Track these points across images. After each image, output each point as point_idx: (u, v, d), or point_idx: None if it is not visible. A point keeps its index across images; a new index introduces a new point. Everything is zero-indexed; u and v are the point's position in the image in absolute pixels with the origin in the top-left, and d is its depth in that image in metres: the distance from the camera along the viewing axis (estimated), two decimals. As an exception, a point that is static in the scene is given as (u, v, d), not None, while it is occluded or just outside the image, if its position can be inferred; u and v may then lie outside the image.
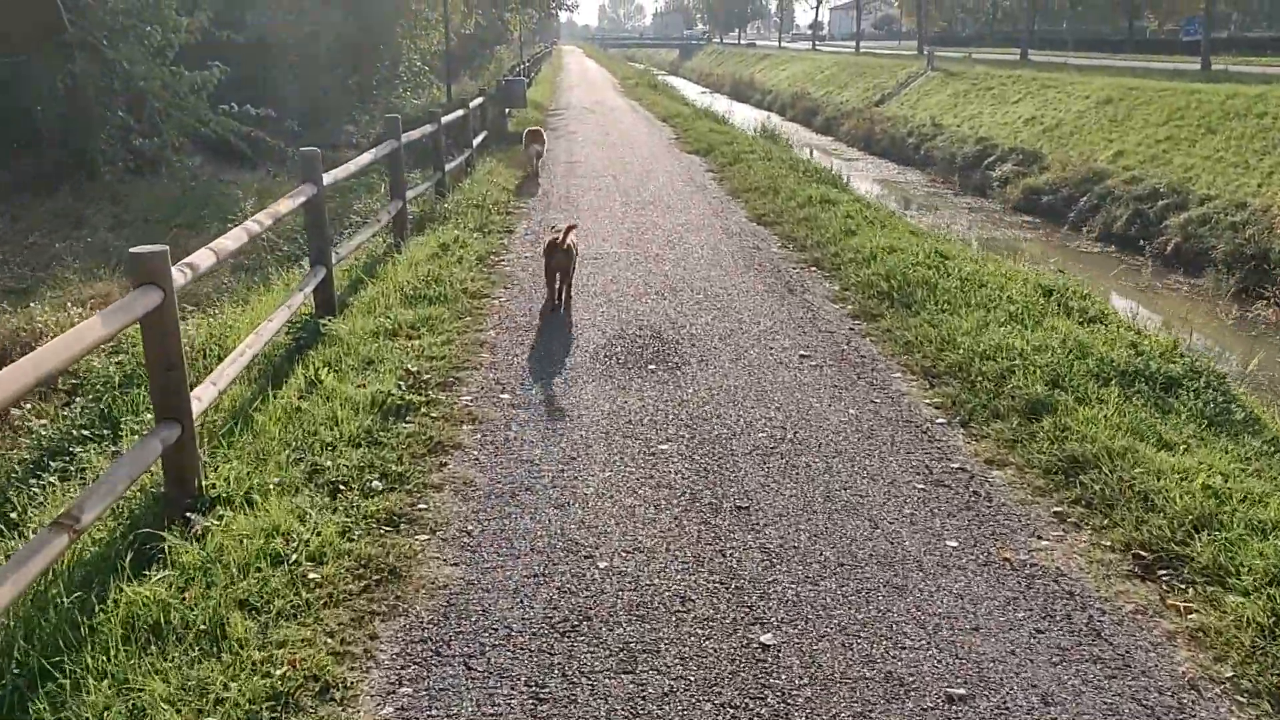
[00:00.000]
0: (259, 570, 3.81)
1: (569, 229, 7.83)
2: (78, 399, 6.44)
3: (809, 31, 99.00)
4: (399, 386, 5.78)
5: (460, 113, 15.15)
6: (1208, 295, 14.70)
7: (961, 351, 6.31)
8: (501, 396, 5.91)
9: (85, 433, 5.77)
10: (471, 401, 5.81)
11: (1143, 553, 4.01)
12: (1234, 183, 17.12)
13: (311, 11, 27.14)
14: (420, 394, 5.80)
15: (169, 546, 3.89)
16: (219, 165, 21.43)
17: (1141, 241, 16.88)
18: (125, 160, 17.73)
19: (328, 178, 7.42)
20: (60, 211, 15.74)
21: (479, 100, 18.41)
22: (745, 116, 33.80)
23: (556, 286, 7.86)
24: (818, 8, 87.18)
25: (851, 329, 7.25)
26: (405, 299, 7.83)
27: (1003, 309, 7.20)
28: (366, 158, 8.82)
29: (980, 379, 5.90)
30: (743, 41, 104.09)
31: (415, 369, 6.10)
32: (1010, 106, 28.25)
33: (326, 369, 6.06)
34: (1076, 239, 18.16)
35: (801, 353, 6.68)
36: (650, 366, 6.41)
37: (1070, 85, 27.39)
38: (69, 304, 8.36)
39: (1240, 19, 63.86)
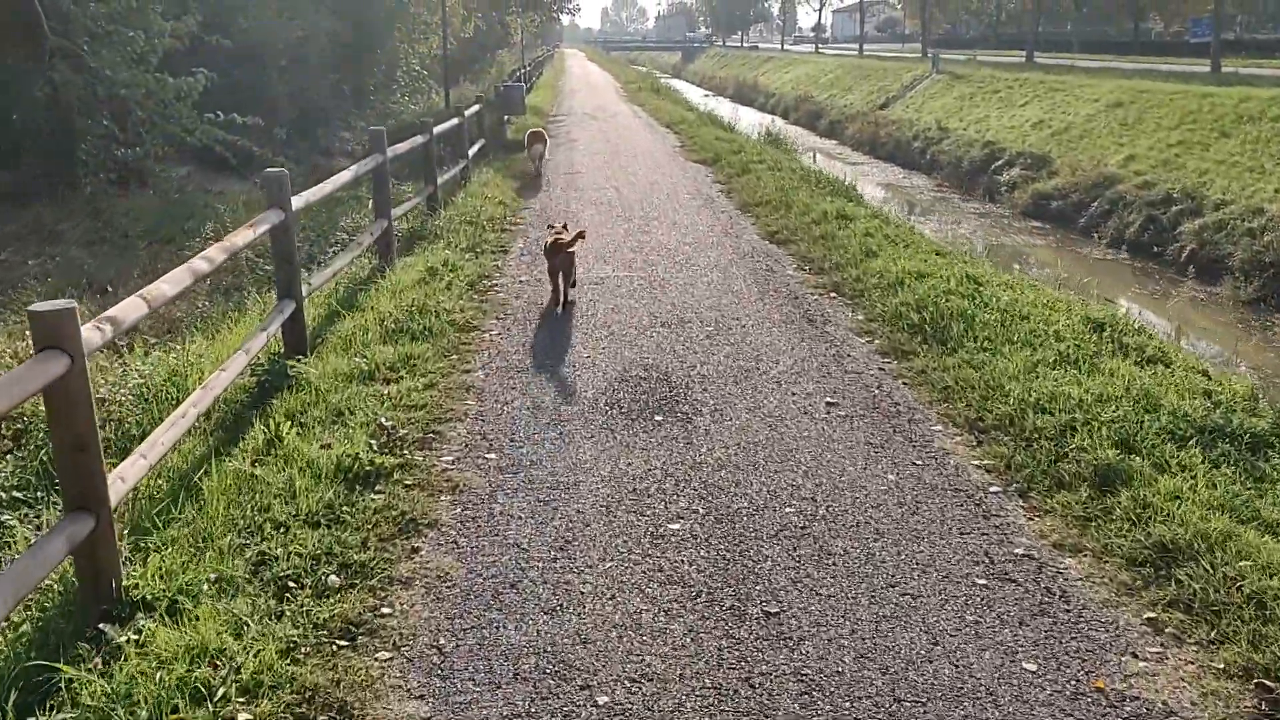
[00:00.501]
0: (176, 712, 3.06)
1: (577, 235, 8.19)
2: (12, 453, 5.71)
3: (811, 34, 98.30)
4: (369, 447, 5.03)
5: (454, 122, 14.42)
6: (1227, 303, 14.15)
7: (1011, 401, 5.55)
8: (487, 457, 5.16)
9: (18, 494, 5.05)
10: (453, 463, 5.07)
11: (1269, 683, 3.25)
12: (1250, 188, 16.47)
13: (305, 14, 26.46)
14: (394, 454, 5.06)
15: (65, 681, 3.15)
16: (208, 175, 20.75)
17: (1155, 248, 16.41)
18: (107, 171, 17.03)
19: (298, 200, 6.69)
20: (36, 225, 15.02)
21: (475, 108, 17.67)
22: (749, 120, 33.08)
23: (560, 285, 8.13)
24: (820, 10, 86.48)
25: (881, 369, 6.49)
26: (386, 333, 7.08)
27: (1050, 346, 6.45)
28: (346, 175, 8.08)
29: (1036, 437, 5.15)
30: (745, 44, 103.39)
31: (390, 422, 5.35)
32: (1017, 110, 27.71)
33: (290, 422, 5.32)
34: (1088, 245, 17.65)
35: (828, 399, 5.92)
36: (657, 417, 5.65)
37: (1079, 88, 26.79)
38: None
39: (1246, 20, 63.07)
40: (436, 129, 12.99)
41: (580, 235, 8.23)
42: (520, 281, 8.99)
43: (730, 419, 5.61)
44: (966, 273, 8.35)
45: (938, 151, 26.92)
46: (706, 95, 58.93)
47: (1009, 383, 5.84)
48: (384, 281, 8.56)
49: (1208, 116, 20.43)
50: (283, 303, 6.42)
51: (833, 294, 8.46)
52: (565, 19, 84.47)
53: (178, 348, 6.98)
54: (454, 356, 6.76)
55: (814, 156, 23.75)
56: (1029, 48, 45.94)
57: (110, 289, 12.22)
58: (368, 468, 4.82)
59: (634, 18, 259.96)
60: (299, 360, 6.39)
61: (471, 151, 16.19)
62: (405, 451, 5.12)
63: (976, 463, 5.06)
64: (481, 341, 7.16)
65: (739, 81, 62.94)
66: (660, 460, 5.07)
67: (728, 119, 27.66)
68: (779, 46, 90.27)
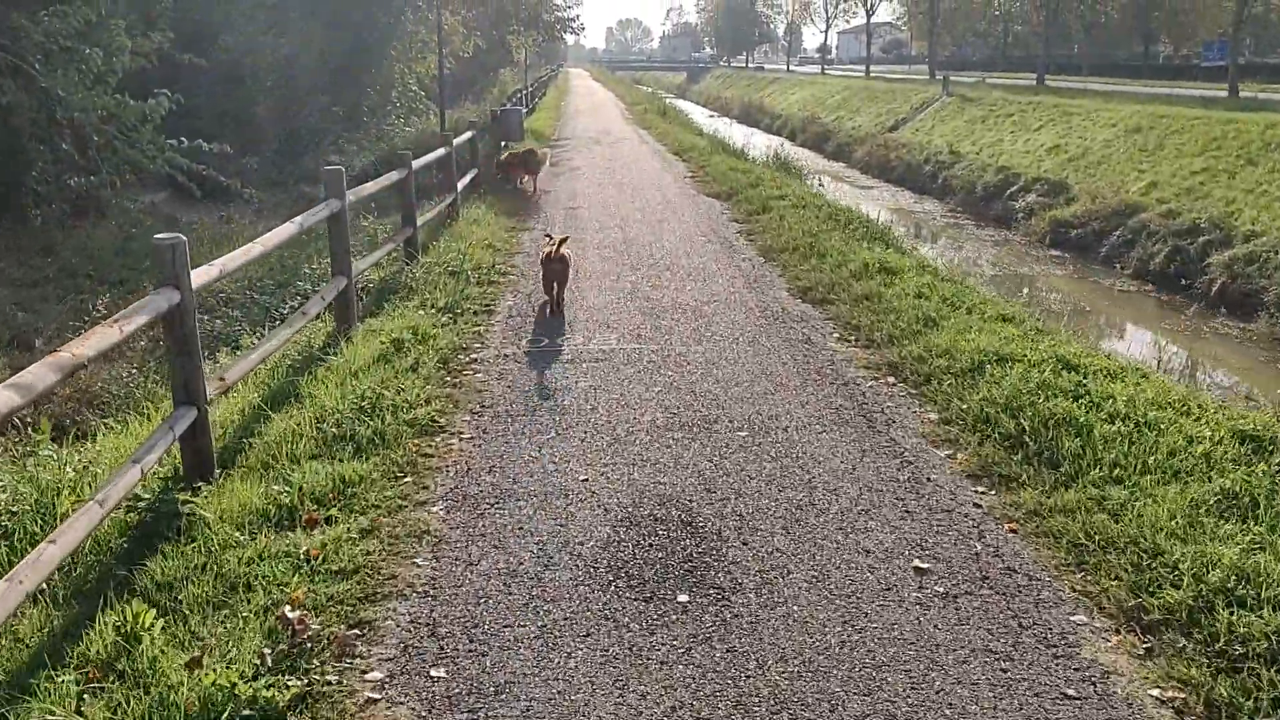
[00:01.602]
0: None
1: (562, 241, 8.80)
2: None
3: (817, 55, 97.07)
4: (260, 661, 3.41)
5: (440, 152, 12.84)
6: (1264, 340, 13.09)
7: (1183, 581, 3.91)
8: (433, 674, 3.52)
9: None
10: (380, 691, 3.43)
11: None
12: (1282, 218, 15.36)
13: (294, 32, 24.99)
14: (298, 674, 3.42)
15: None
16: (181, 204, 19.21)
17: (1183, 280, 15.57)
18: (61, 201, 15.49)
19: (205, 273, 5.07)
20: (-26, 265, 13.45)
21: (468, 135, 16.10)
22: (755, 142, 31.64)
23: (554, 294, 8.57)
24: (826, 31, 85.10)
25: (977, 505, 4.85)
26: (324, 442, 5.45)
27: (1202, 478, 4.81)
28: (283, 232, 6.46)
29: (1242, 655, 3.50)
30: (751, 65, 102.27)
31: (298, 612, 3.72)
32: (1031, 134, 26.70)
33: (154, 612, 3.68)
34: (1110, 276, 16.82)
35: (916, 562, 4.28)
36: (680, 596, 4.01)
37: (1095, 112, 25.80)
38: None
39: (1254, 44, 61.77)
40: (420, 161, 11.41)
41: (565, 239, 8.95)
42: (504, 356, 7.36)
43: (784, 601, 3.96)
44: (1058, 354, 6.71)
45: (950, 176, 25.94)
46: (711, 115, 57.68)
47: (1168, 542, 4.20)
48: (335, 359, 6.94)
49: (1233, 143, 19.53)
50: (180, 411, 4.79)
51: (890, 378, 6.82)
52: (570, 38, 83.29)
53: (51, 457, 5.36)
54: (408, 479, 5.13)
55: (820, 180, 22.40)
56: (1040, 70, 44.64)
57: (39, 344, 10.64)
58: (246, 712, 3.18)
59: (639, 37, 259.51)
60: (197, 489, 4.77)
61: (462, 184, 14.62)
62: (315, 667, 3.48)
63: (1157, 694, 3.41)
64: (448, 452, 5.51)
65: (744, 102, 61.69)
66: (689, 687, 3.42)
67: (740, 144, 26.13)
68: (784, 67, 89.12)
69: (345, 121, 28.58)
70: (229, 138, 21.15)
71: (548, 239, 8.98)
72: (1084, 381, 6.08)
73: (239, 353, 7.07)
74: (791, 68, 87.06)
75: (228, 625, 3.69)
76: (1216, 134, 20.25)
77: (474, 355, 7.38)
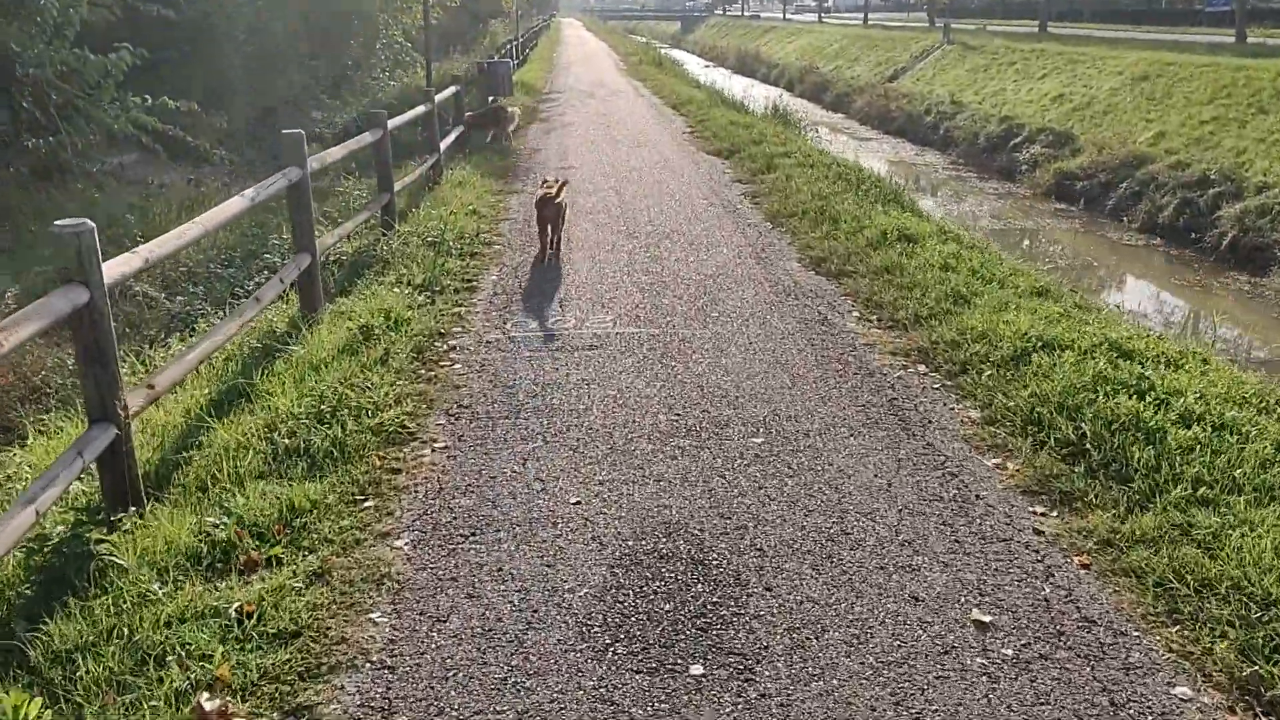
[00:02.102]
0: None
1: (562, 185, 8.89)
2: None
3: (813, 3, 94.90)
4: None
5: (420, 109, 11.94)
6: (1278, 297, 12.49)
7: (1312, 643, 3.19)
8: (387, 788, 2.80)
9: None
10: (318, 814, 2.71)
11: None
12: (1295, 169, 14.83)
13: (270, -19, 23.82)
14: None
15: None
16: (152, 167, 18.28)
17: (1192, 234, 14.98)
18: (20, 165, 14.57)
19: (116, 268, 4.27)
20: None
21: (452, 90, 15.14)
22: (754, 95, 30.55)
23: (548, 238, 8.64)
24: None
25: (1040, 534, 4.10)
26: (275, 457, 4.69)
27: (1304, 495, 4.08)
28: (236, 204, 5.62)
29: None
30: (746, 14, 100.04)
31: (216, 705, 2.98)
32: (1035, 83, 25.81)
33: (40, 702, 2.95)
34: (1117, 229, 16.16)
35: (975, 613, 3.55)
36: (694, 669, 3.28)
37: (1100, 60, 24.89)
38: None
39: (1260, -12, 60.17)
40: (397, 120, 10.53)
41: (565, 183, 9.04)
42: (487, 343, 6.58)
43: (820, 672, 3.24)
44: (1109, 338, 5.94)
45: (951, 127, 25.15)
46: (707, 66, 56.26)
47: (1278, 588, 3.48)
48: (297, 349, 6.16)
49: (1243, 91, 18.84)
50: (94, 430, 4.03)
51: (921, 366, 6.06)
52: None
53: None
54: (369, 503, 4.38)
55: (818, 131, 21.67)
56: (1043, 17, 43.29)
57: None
58: None
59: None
60: (116, 523, 4.02)
61: (447, 142, 13.72)
62: (233, 780, 2.76)
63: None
64: (418, 467, 4.76)
65: (740, 52, 60.12)
66: (708, 805, 2.71)
67: (738, 97, 25.08)
68: (781, 16, 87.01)
69: (328, 77, 27.48)
70: (202, 96, 20.22)
71: (545, 183, 8.95)
72: (1145, 374, 5.31)
73: (178, 349, 6.24)
74: (788, 16, 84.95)
75: None
76: (1226, 81, 19.59)
77: (453, 342, 6.60)
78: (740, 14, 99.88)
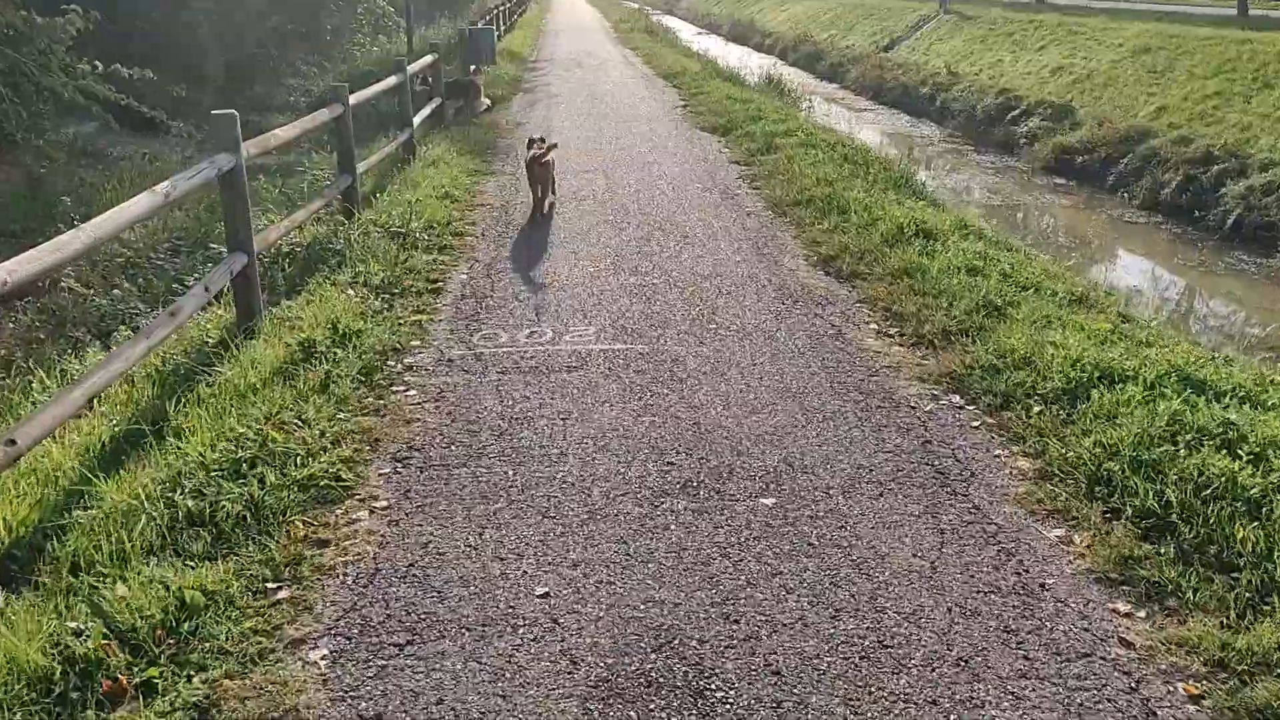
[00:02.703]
0: None
1: (549, 147, 9.06)
2: None
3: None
4: None
5: (391, 81, 10.94)
6: None
7: None
8: None
9: None
10: None
11: None
12: (1302, 146, 14.15)
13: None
14: None
15: None
16: (112, 138, 17.21)
17: (1196, 211, 14.20)
18: (-42, 137, 13.53)
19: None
20: None
21: (428, 59, 14.08)
22: (748, 64, 29.47)
23: (538, 196, 8.94)
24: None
25: (1129, 646, 3.22)
26: (172, 525, 3.78)
27: None
28: (143, 203, 4.66)
29: None
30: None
31: None
32: (1034, 54, 24.93)
33: None
34: (1118, 206, 15.42)
35: (1063, 780, 2.69)
36: None
37: (1101, 31, 24.07)
38: None
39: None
40: (359, 95, 9.54)
41: (553, 146, 9.19)
42: (448, 362, 5.67)
43: None
44: (1174, 364, 5.06)
45: (948, 99, 24.30)
46: (699, 33, 54.80)
47: None
48: (224, 372, 5.24)
49: (1247, 65, 18.08)
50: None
51: (955, 396, 5.18)
52: (552, -49, 79.22)
53: None
54: (284, 592, 3.49)
55: (811, 100, 20.93)
56: None
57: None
58: None
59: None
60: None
61: (421, 116, 12.71)
62: None
63: None
64: (350, 537, 3.86)
65: (733, 19, 58.60)
66: None
67: (734, 67, 24.00)
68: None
69: (305, 41, 26.28)
70: (166, 63, 19.09)
71: (532, 142, 9.15)
72: (1231, 419, 4.43)
73: (55, 389, 5.23)
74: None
75: None
76: (1231, 55, 18.82)
77: (409, 360, 5.68)
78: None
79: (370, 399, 5.11)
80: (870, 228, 8.11)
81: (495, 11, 32.39)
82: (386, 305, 6.49)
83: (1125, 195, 15.67)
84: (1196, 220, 14.03)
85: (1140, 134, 16.85)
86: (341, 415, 4.83)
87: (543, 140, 9.12)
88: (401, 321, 6.25)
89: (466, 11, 42.93)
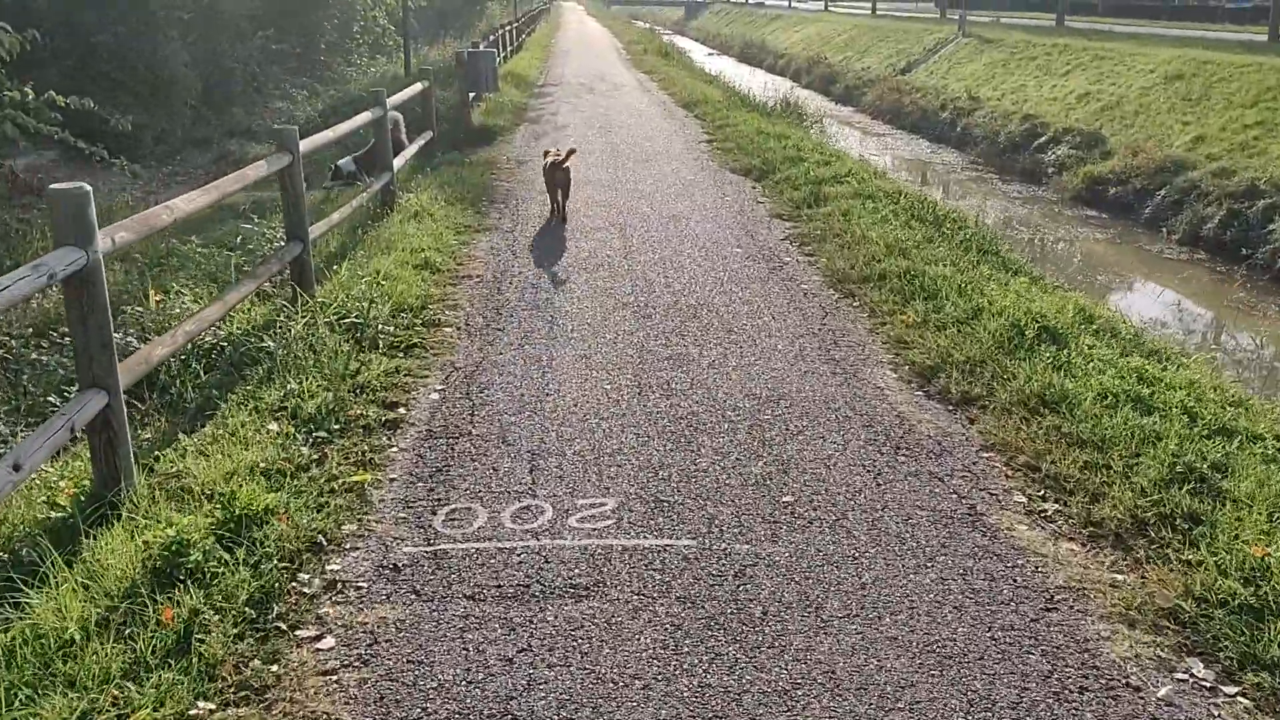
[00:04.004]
0: None
1: (570, 153, 9.51)
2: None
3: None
4: None
5: (364, 117, 9.06)
6: None
7: None
8: None
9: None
10: None
11: None
12: (1353, 180, 12.79)
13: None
14: None
15: None
16: (75, 168, 15.44)
17: (1242, 249, 13.14)
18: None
19: None
20: None
21: (417, 87, 12.18)
22: (758, 84, 27.91)
23: (559, 201, 9.38)
24: (835, -34, 79.55)
25: None
26: None
27: None
28: None
29: None
30: (751, 1, 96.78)
31: None
32: (1059, 79, 23.78)
33: None
34: (1155, 241, 14.40)
35: None
36: None
37: (1129, 57, 22.83)
38: None
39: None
40: (311, 141, 7.64)
41: (571, 151, 9.62)
42: (393, 571, 3.72)
43: None
44: None
45: (969, 124, 23.35)
46: (710, 54, 53.44)
47: None
48: (35, 607, 3.31)
49: None
50: None
51: (1195, 661, 3.23)
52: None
53: None
54: None
55: (821, 123, 19.49)
56: (1060, 10, 40.50)
57: None
58: None
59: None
60: None
61: (399, 161, 10.82)
62: None
63: None
64: None
65: (745, 40, 57.20)
66: None
67: (756, 93, 22.18)
68: (786, 3, 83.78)
69: (294, 61, 24.51)
70: (133, 84, 17.30)
71: (547, 154, 9.67)
72: None
73: None
74: (793, 4, 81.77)
75: None
76: (1271, 83, 17.72)
77: (334, 566, 3.75)
78: (745, 1, 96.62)
79: (256, 664, 3.16)
80: (973, 322, 6.18)
81: (503, 31, 30.66)
82: (317, 455, 4.55)
83: (1163, 229, 14.61)
84: (1243, 258, 12.91)
85: (1177, 165, 16.02)
86: (199, 711, 2.89)
87: (559, 151, 9.59)
88: (335, 486, 4.31)
89: (473, 30, 41.27)
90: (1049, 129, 20.64)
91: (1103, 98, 21.37)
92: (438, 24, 42.95)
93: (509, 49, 29.14)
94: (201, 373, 5.67)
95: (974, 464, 4.60)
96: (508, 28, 31.47)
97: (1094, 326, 6.35)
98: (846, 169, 11.18)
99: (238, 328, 6.21)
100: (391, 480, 4.43)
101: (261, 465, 4.33)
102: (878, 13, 53.99)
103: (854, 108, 30.58)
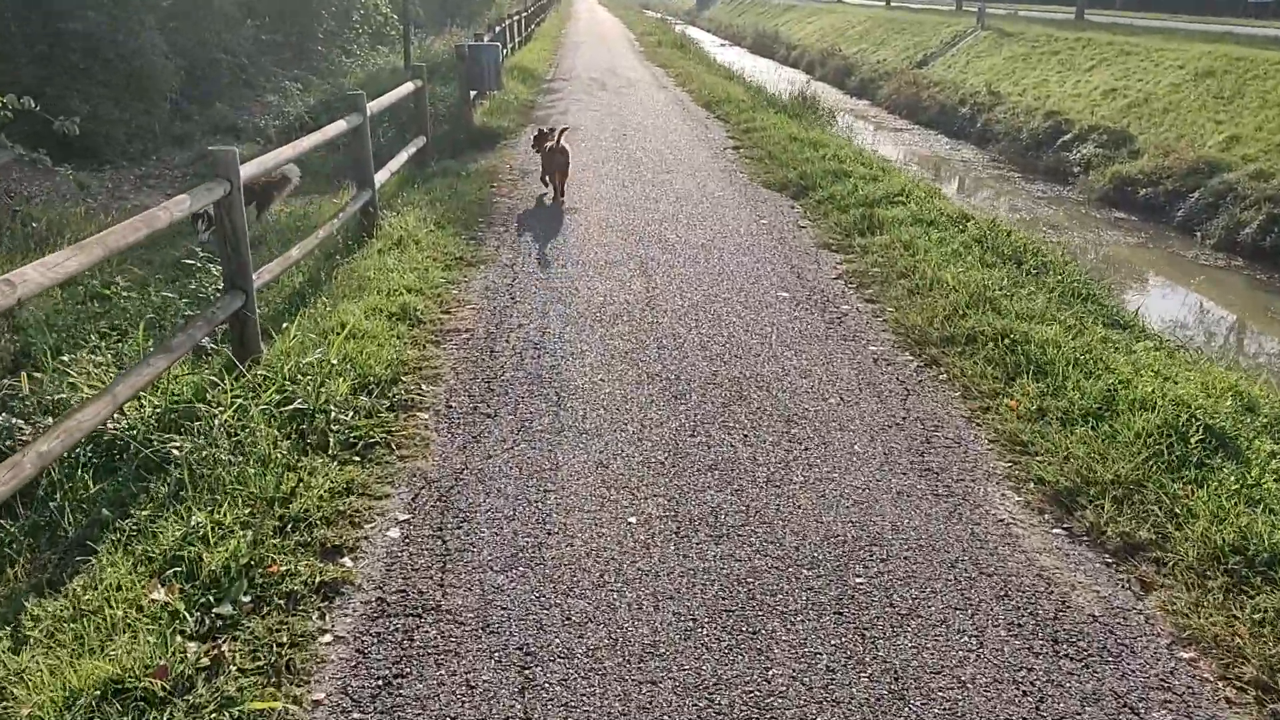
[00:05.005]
0: None
1: (561, 131, 9.50)
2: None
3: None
4: None
5: (340, 127, 7.59)
6: None
7: None
8: None
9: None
10: None
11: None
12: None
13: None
14: None
15: None
16: (35, 171, 14.03)
17: None
18: None
19: None
20: None
21: (407, 88, 10.68)
22: (773, 75, 26.60)
23: (558, 184, 9.39)
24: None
25: None
26: None
27: None
28: None
29: None
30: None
31: None
32: (1082, 75, 22.95)
33: None
34: (1189, 245, 13.79)
35: None
36: None
37: (1156, 52, 21.90)
38: None
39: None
40: (260, 161, 6.19)
41: (564, 130, 9.68)
42: None
43: None
44: None
45: (990, 120, 22.74)
46: (722, 45, 52.14)
47: None
48: None
49: None
50: None
51: None
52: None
53: None
54: None
55: (834, 116, 18.57)
56: (1080, 3, 38.91)
57: None
58: None
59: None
60: None
61: (393, 166, 9.37)
62: None
63: None
64: None
65: (758, 31, 55.70)
66: None
67: (760, 82, 20.75)
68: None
69: (287, 52, 23.05)
70: (105, 75, 15.86)
71: (540, 134, 9.76)
72: None
73: None
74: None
75: None
76: None
77: None
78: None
79: None
80: (1107, 415, 4.70)
81: (511, 21, 29.07)
82: (210, 660, 3.10)
83: (1197, 234, 14.03)
84: (1285, 266, 12.32)
85: (1211, 166, 15.30)
86: None
87: (552, 130, 9.66)
88: (227, 721, 2.87)
89: (481, 20, 39.67)
90: (1073, 126, 19.79)
91: (1129, 94, 20.66)
92: (444, 13, 41.38)
93: (517, 39, 27.62)
94: (90, 483, 4.24)
95: (1171, 673, 3.14)
96: (516, 17, 29.90)
97: (1262, 419, 4.87)
98: (899, 186, 9.67)
99: (152, 409, 4.78)
100: (315, 704, 2.98)
101: (119, 684, 2.89)
102: (892, 4, 52.51)
103: (870, 101, 29.73)
